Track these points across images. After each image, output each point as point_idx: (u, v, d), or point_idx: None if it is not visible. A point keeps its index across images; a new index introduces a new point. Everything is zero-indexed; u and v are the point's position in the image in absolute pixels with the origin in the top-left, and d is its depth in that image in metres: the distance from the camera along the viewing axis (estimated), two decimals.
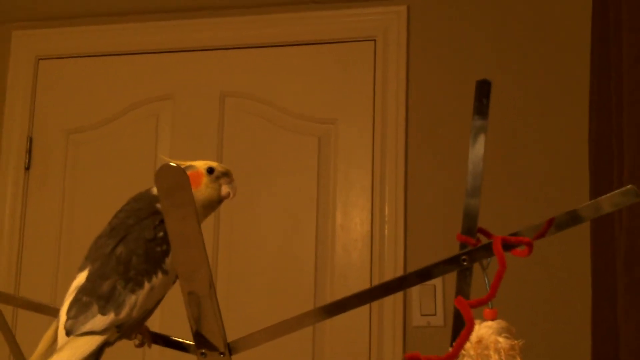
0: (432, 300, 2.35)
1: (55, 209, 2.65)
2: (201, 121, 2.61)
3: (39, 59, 2.76)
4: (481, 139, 0.96)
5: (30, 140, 2.70)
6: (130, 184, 2.55)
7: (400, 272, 2.39)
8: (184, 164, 1.04)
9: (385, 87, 2.51)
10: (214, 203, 1.04)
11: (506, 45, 2.47)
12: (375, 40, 2.56)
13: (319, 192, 2.51)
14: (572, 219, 0.87)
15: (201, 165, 1.04)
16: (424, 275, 0.90)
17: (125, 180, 2.59)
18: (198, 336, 0.91)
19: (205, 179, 1.02)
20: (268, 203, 2.52)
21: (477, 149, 0.96)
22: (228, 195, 1.04)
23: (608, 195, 0.84)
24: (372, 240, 2.44)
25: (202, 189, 1.02)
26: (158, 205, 0.99)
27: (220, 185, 1.04)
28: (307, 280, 2.46)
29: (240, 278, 2.49)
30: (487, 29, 2.49)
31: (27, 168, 2.69)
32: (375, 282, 2.40)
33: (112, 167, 2.64)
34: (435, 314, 2.35)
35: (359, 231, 2.46)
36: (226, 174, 1.04)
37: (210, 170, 1.03)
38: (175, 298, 1.04)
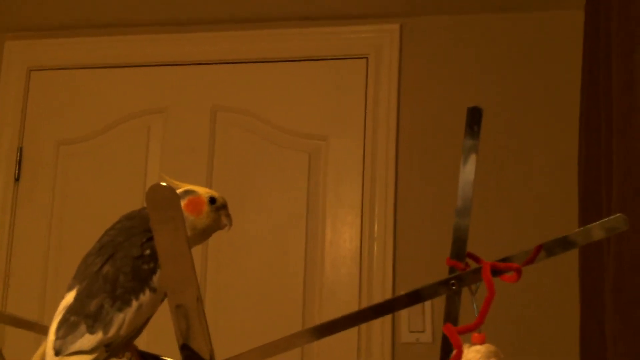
0: (420, 317, 2.35)
1: (44, 221, 2.64)
2: (192, 135, 2.61)
3: (31, 70, 2.76)
4: (472, 161, 0.96)
5: (21, 151, 2.69)
6: (120, 196, 2.57)
7: (388, 289, 2.39)
8: (184, 186, 1.04)
9: (377, 105, 2.52)
10: (211, 232, 1.05)
11: (497, 67, 2.48)
12: (367, 58, 2.56)
13: (308, 208, 2.51)
14: (563, 244, 0.87)
15: (203, 192, 1.04)
16: (412, 297, 0.91)
17: (115, 192, 2.59)
18: (185, 351, 0.91)
19: (207, 208, 1.04)
20: (257, 218, 2.52)
21: (468, 171, 0.97)
22: (225, 227, 1.06)
23: (598, 222, 0.84)
24: (361, 257, 2.44)
25: (202, 218, 1.03)
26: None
27: (219, 216, 1.05)
28: (295, 296, 2.46)
29: (229, 293, 2.49)
30: (479, 49, 2.51)
31: (17, 179, 2.68)
32: (364, 299, 2.40)
33: (102, 179, 2.63)
34: (424, 331, 2.35)
35: (348, 248, 2.46)
36: (224, 206, 1.06)
37: (213, 200, 1.04)
38: (162, 316, 1.03)
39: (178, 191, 1.03)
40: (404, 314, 2.36)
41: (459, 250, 0.94)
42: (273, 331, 2.38)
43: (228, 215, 1.06)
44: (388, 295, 2.38)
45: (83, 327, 0.94)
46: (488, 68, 2.49)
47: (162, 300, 0.99)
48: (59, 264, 2.60)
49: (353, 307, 2.38)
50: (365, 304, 2.38)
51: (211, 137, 2.60)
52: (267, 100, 2.60)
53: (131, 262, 0.97)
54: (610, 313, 1.53)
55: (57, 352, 0.93)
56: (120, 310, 0.95)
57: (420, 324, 2.35)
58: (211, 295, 2.46)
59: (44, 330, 1.12)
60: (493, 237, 2.32)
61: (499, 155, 2.40)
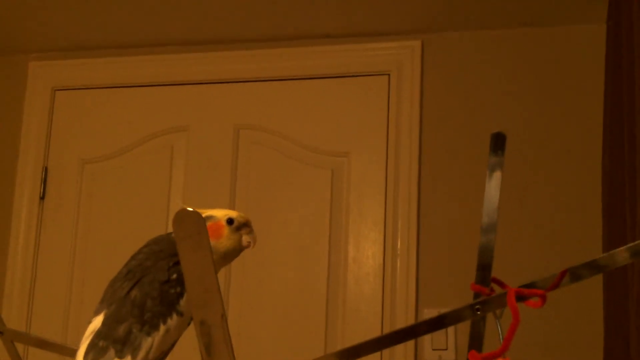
0: (443, 335, 2.34)
1: (69, 239, 2.66)
2: (215, 153, 2.63)
3: (55, 90, 2.79)
4: (497, 179, 0.96)
5: (46, 170, 2.72)
6: (144, 214, 2.59)
7: (412, 306, 2.38)
8: (203, 212, 1.05)
9: (399, 121, 2.52)
10: (235, 253, 1.05)
11: (520, 82, 2.48)
12: (389, 75, 2.57)
13: (331, 225, 2.51)
14: (588, 269, 0.87)
15: (221, 216, 1.04)
16: (436, 322, 0.90)
17: (139, 210, 2.61)
18: None
19: (226, 231, 1.04)
20: (281, 235, 2.53)
21: (493, 190, 0.96)
22: (249, 245, 1.06)
23: (625, 247, 0.84)
24: (384, 274, 2.44)
25: (223, 241, 1.03)
26: None
27: (241, 236, 1.05)
28: (318, 312, 2.46)
29: (252, 310, 2.49)
30: (501, 64, 2.51)
31: (42, 198, 2.70)
32: (387, 316, 2.39)
33: (126, 198, 2.65)
34: (446, 349, 2.34)
35: (371, 264, 2.46)
36: (246, 224, 1.05)
37: (230, 221, 1.04)
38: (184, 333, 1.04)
39: None
40: None
41: (484, 274, 0.94)
42: (296, 348, 2.39)
43: (250, 233, 1.06)
44: (411, 312, 2.37)
45: (112, 352, 0.95)
46: (510, 83, 2.48)
47: (189, 324, 1.00)
48: (83, 283, 2.61)
49: (376, 324, 2.38)
50: (388, 321, 2.38)
51: (234, 154, 2.62)
52: (289, 118, 2.61)
53: (159, 287, 0.98)
54: (634, 332, 1.52)
55: None
56: (148, 334, 0.96)
57: (443, 342, 2.34)
58: (234, 313, 2.46)
59: (68, 352, 1.13)
60: (516, 256, 2.31)
61: (521, 173, 2.39)
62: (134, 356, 0.95)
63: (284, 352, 2.40)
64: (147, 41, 2.72)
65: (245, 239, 1.05)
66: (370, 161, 2.53)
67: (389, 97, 2.55)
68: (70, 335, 2.54)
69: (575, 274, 0.87)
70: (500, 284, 0.92)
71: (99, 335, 0.97)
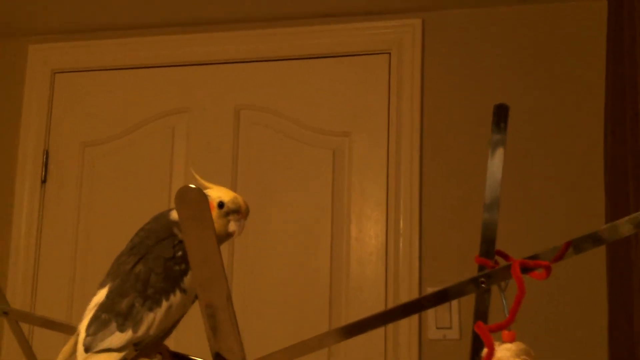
0: (447, 313, 2.35)
1: (71, 222, 2.66)
2: (216, 134, 2.62)
3: (55, 73, 2.78)
4: (499, 155, 0.96)
5: (47, 153, 2.72)
6: (146, 196, 2.59)
7: (415, 285, 2.38)
8: (208, 187, 1.04)
9: (400, 100, 2.51)
10: (221, 238, 1.02)
11: (521, 60, 2.47)
12: (390, 54, 2.56)
13: (333, 205, 2.51)
14: (591, 241, 0.86)
15: (214, 197, 1.02)
16: (441, 296, 0.90)
17: (141, 192, 2.61)
18: (216, 353, 0.91)
19: (214, 213, 1.01)
20: (283, 216, 2.53)
21: (496, 166, 0.96)
22: (233, 233, 1.03)
23: (627, 217, 0.83)
24: (387, 253, 2.44)
25: None
26: (175, 230, 1.00)
27: (228, 222, 1.02)
28: (322, 293, 2.46)
29: (256, 291, 2.50)
30: (502, 42, 2.50)
31: (44, 181, 2.70)
32: (390, 295, 2.40)
33: (128, 180, 2.65)
34: (451, 327, 2.35)
35: (373, 244, 2.46)
36: (236, 211, 1.02)
37: (221, 205, 1.02)
38: (190, 315, 1.04)
39: None
40: (430, 310, 2.35)
41: (488, 248, 0.93)
42: (300, 329, 2.40)
43: (238, 220, 1.03)
44: (414, 291, 2.38)
45: (113, 325, 0.95)
46: (511, 61, 2.48)
47: (193, 302, 1.00)
48: (86, 265, 2.62)
49: (380, 304, 2.38)
50: (391, 300, 2.38)
51: (235, 135, 2.61)
52: (290, 98, 2.61)
53: (163, 263, 0.98)
54: (638, 306, 1.52)
55: (87, 349, 0.95)
56: (150, 309, 0.97)
57: (447, 320, 2.35)
58: (237, 294, 2.47)
59: (72, 332, 1.13)
60: (519, 233, 2.31)
61: (523, 150, 2.39)
62: (135, 330, 0.95)
63: (287, 333, 2.40)
64: (147, 22, 2.71)
65: (231, 225, 1.02)
66: (372, 140, 2.53)
67: (389, 76, 2.54)
68: (74, 316, 2.54)
69: (578, 246, 0.86)
70: (505, 256, 0.91)
71: (102, 307, 0.97)
